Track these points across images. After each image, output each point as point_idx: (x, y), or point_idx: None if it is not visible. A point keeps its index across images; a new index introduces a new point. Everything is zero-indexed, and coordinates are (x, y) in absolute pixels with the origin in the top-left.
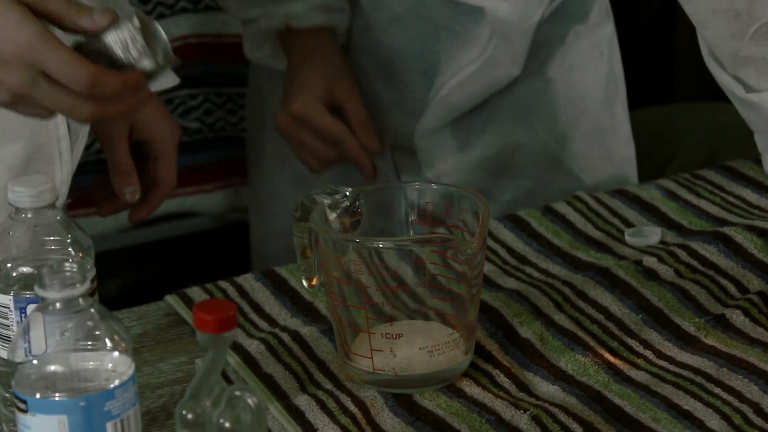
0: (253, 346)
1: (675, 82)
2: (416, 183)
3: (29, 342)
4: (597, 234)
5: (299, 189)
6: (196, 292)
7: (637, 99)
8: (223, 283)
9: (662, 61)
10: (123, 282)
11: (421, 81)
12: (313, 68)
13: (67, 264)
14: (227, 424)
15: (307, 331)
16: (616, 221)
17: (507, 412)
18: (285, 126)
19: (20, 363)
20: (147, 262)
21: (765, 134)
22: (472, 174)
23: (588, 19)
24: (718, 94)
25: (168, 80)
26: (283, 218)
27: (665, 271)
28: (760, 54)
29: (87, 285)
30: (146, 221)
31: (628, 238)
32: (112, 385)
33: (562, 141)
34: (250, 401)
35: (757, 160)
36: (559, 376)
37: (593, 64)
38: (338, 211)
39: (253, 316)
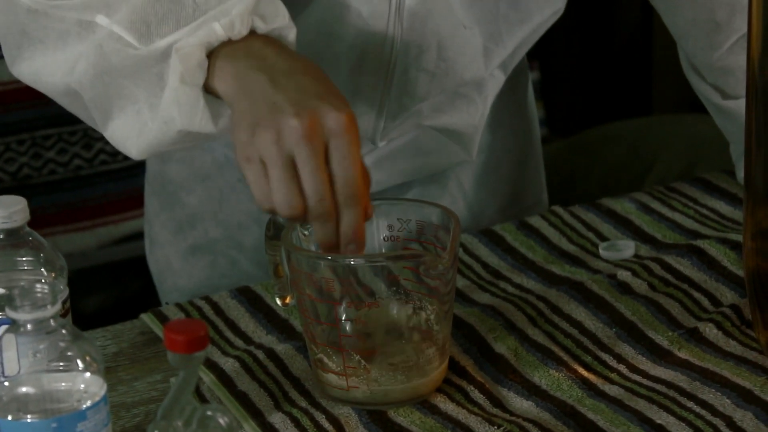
0: (228, 364)
1: (653, 93)
2: (388, 199)
3: (2, 363)
4: (571, 248)
5: (193, 261)
6: (171, 310)
7: (615, 111)
8: (199, 301)
9: (640, 73)
10: (104, 298)
11: None
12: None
13: (38, 285)
14: None
15: (282, 348)
16: (590, 235)
17: (481, 428)
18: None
19: None
20: (128, 278)
21: (739, 143)
22: None
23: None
24: (696, 106)
25: None
26: (181, 290)
27: (639, 285)
28: (737, 63)
29: (58, 306)
30: (125, 237)
31: (602, 252)
32: (84, 406)
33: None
34: (221, 421)
35: (731, 172)
36: (533, 391)
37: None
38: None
39: (228, 334)
